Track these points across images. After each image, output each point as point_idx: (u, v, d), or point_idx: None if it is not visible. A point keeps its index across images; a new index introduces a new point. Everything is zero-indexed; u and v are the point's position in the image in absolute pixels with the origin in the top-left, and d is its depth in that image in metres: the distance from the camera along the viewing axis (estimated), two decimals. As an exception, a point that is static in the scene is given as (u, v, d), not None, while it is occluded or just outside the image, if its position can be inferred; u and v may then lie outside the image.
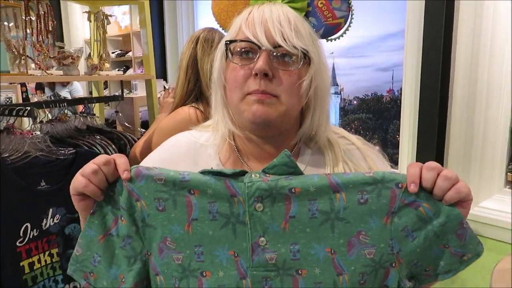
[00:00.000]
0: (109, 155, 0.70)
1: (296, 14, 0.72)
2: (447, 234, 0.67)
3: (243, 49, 0.71)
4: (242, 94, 0.70)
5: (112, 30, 5.34)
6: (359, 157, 0.79)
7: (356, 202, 0.67)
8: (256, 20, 0.69)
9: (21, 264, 1.15)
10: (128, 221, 0.70)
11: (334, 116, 4.29)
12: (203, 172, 0.69)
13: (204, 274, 0.69)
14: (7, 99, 3.40)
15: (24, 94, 3.82)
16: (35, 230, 1.19)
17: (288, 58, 0.70)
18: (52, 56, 1.42)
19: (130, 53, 4.96)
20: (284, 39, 0.68)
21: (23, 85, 3.82)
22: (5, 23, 1.26)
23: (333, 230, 0.68)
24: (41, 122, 1.40)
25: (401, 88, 3.28)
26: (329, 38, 0.78)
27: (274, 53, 0.69)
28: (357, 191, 0.67)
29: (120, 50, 5.25)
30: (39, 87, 4.24)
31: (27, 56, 1.29)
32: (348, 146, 0.80)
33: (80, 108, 1.74)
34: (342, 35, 0.79)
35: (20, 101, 3.35)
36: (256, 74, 0.68)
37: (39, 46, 1.36)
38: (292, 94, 0.70)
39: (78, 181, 0.66)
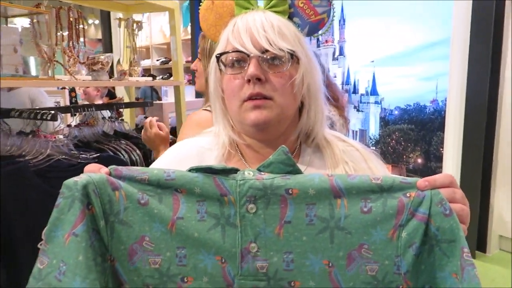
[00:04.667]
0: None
1: (279, 18, 0.75)
2: (455, 258, 0.58)
3: (233, 59, 0.75)
4: (239, 102, 0.74)
5: (157, 39, 5.51)
6: (359, 158, 0.80)
7: (359, 210, 0.61)
8: (241, 30, 0.74)
9: (40, 265, 1.16)
10: (97, 211, 0.60)
11: (374, 125, 4.16)
12: (191, 170, 0.64)
13: (185, 280, 0.63)
14: (56, 103, 3.54)
15: (74, 99, 3.98)
16: (54, 232, 1.20)
17: (276, 60, 0.74)
18: (82, 62, 1.45)
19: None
20: (270, 43, 0.72)
21: (72, 90, 3.99)
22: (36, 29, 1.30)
23: (332, 240, 0.62)
24: (69, 125, 1.43)
25: (445, 98, 3.12)
26: (315, 34, 0.80)
27: (263, 58, 0.73)
28: (360, 198, 0.61)
29: (165, 58, 5.40)
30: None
31: (56, 61, 1.32)
32: (347, 148, 0.81)
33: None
34: (327, 30, 0.81)
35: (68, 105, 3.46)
36: (249, 80, 0.72)
37: (69, 51, 1.39)
38: (286, 93, 0.74)
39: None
